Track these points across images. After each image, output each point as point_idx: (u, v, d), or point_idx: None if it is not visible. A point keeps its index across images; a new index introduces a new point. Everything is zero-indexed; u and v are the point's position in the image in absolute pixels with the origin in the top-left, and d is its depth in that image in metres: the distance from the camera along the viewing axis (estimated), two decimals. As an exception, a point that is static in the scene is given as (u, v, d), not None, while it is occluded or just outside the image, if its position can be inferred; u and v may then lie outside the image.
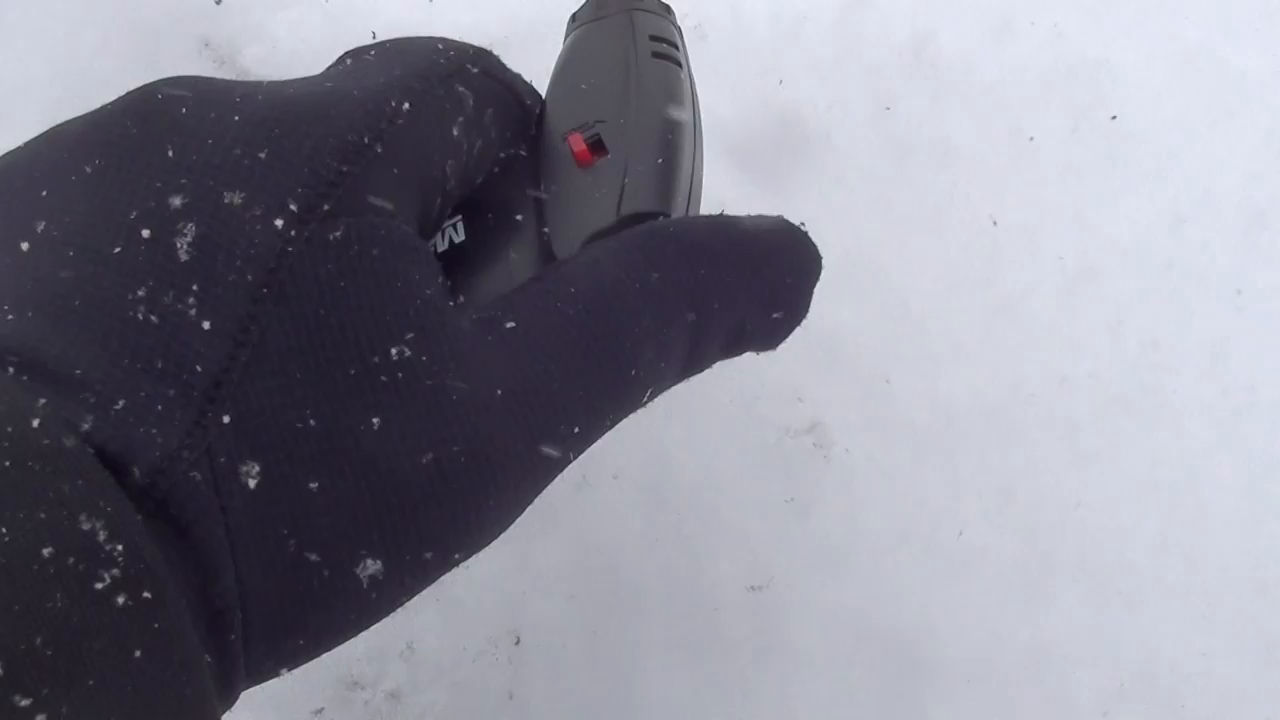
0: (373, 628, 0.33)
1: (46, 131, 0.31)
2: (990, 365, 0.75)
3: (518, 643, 0.73)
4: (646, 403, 0.36)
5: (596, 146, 0.39)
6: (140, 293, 0.26)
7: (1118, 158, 0.79)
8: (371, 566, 0.28)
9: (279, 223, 0.27)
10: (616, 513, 0.74)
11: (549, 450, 0.31)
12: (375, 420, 0.27)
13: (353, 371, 0.27)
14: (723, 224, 0.37)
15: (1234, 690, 0.71)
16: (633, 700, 0.71)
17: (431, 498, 0.28)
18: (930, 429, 0.74)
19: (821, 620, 0.72)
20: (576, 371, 0.32)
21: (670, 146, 0.40)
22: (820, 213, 0.78)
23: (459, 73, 0.35)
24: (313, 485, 0.26)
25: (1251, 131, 0.79)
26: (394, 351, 0.28)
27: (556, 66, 0.44)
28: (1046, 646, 0.71)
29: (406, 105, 0.32)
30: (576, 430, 0.32)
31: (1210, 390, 0.75)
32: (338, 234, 0.28)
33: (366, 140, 0.30)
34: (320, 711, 0.72)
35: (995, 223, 0.78)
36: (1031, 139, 0.80)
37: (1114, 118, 0.80)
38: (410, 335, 0.28)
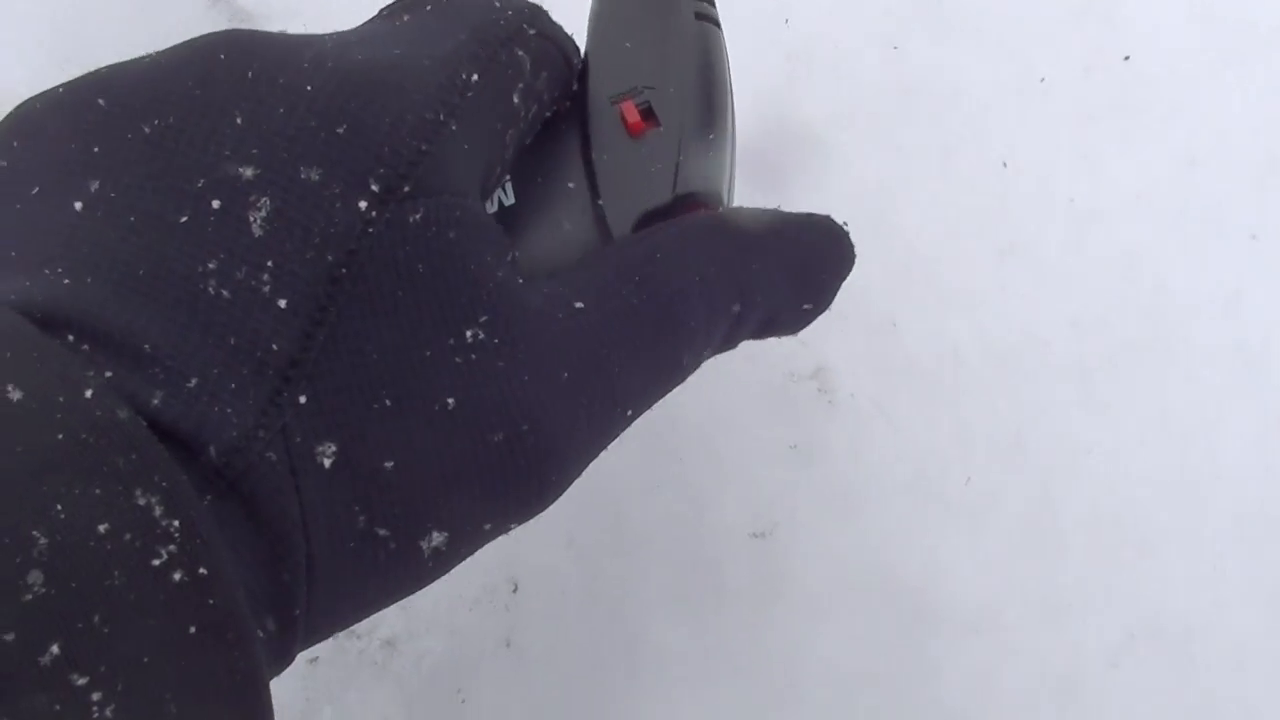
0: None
1: (89, 76, 0.29)
2: (999, 309, 0.74)
3: (515, 590, 0.72)
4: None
5: (648, 115, 0.39)
6: (211, 265, 0.25)
7: (1130, 100, 0.77)
8: (437, 539, 0.28)
9: (362, 204, 0.27)
10: (618, 458, 0.72)
11: (604, 431, 0.33)
12: (450, 401, 0.28)
13: (428, 354, 0.28)
14: (777, 222, 0.39)
15: (1245, 640, 0.69)
16: (633, 648, 0.70)
17: (499, 475, 0.29)
18: (937, 374, 0.73)
19: (825, 568, 0.71)
20: (636, 360, 0.33)
21: (719, 119, 0.40)
22: (827, 154, 0.77)
23: (518, 35, 0.34)
24: (387, 464, 0.27)
25: (1264, 77, 0.78)
26: (469, 334, 0.29)
27: (593, 18, 0.43)
28: (1055, 595, 0.70)
29: (475, 76, 0.31)
30: (629, 413, 0.34)
31: (1224, 336, 0.73)
32: (418, 216, 0.28)
33: (442, 117, 0.29)
34: (315, 660, 0.71)
35: (1005, 165, 0.76)
36: (1043, 80, 0.78)
37: (1127, 59, 0.78)
38: (484, 318, 0.29)
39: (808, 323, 0.44)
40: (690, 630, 0.70)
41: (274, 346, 0.26)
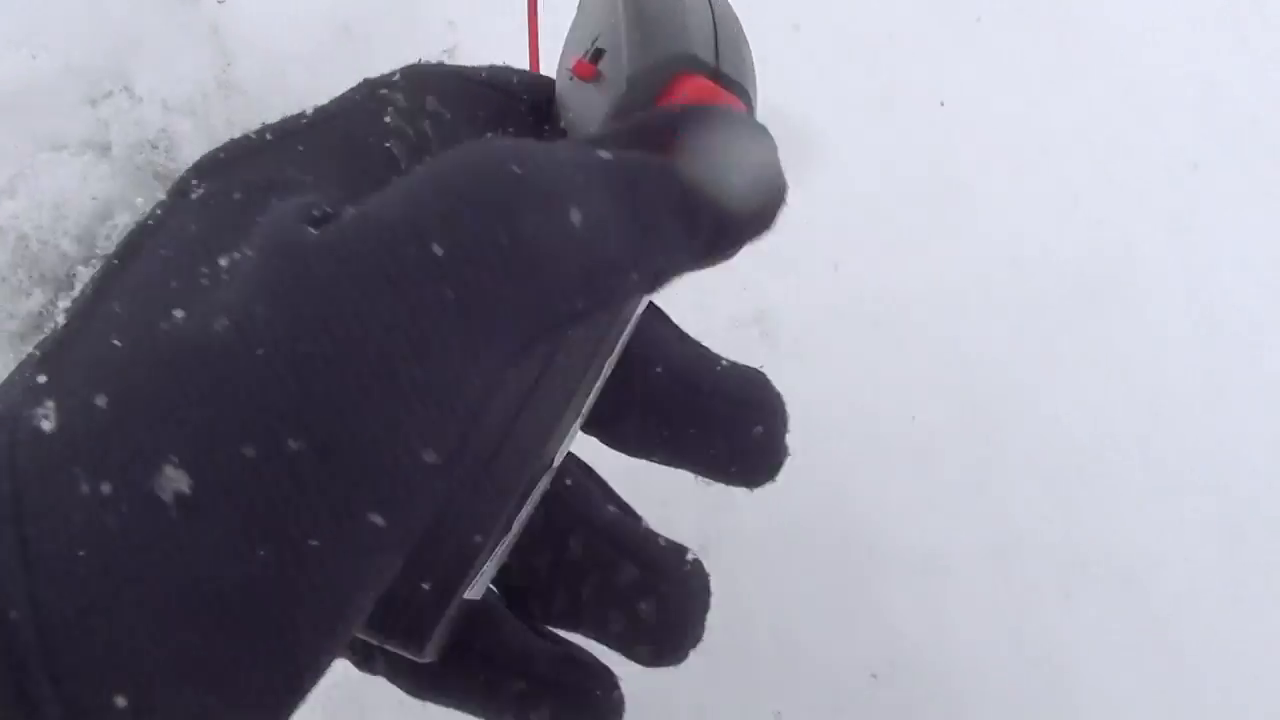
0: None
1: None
2: (941, 250, 0.73)
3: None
4: None
5: (596, 58, 0.38)
6: None
7: (1066, 36, 0.77)
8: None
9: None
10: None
11: None
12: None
13: (174, 284, 0.25)
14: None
15: (1198, 569, 0.69)
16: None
17: None
18: (880, 316, 0.73)
19: (774, 511, 0.70)
20: None
21: (653, 45, 0.39)
22: (771, 97, 0.76)
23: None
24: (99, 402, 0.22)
25: (1202, 5, 0.77)
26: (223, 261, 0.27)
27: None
28: (1004, 531, 0.70)
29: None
30: None
31: (1168, 268, 0.73)
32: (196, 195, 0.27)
33: None
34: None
35: (943, 104, 0.76)
36: (979, 20, 0.78)
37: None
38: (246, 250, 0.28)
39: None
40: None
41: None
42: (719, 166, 0.25)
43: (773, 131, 0.70)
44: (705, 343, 0.72)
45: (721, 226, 0.25)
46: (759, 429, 0.30)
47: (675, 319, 0.73)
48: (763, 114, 0.65)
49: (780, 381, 0.71)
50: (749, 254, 0.71)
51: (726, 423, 0.30)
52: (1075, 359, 0.72)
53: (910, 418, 0.71)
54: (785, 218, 0.70)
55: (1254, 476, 0.70)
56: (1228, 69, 0.75)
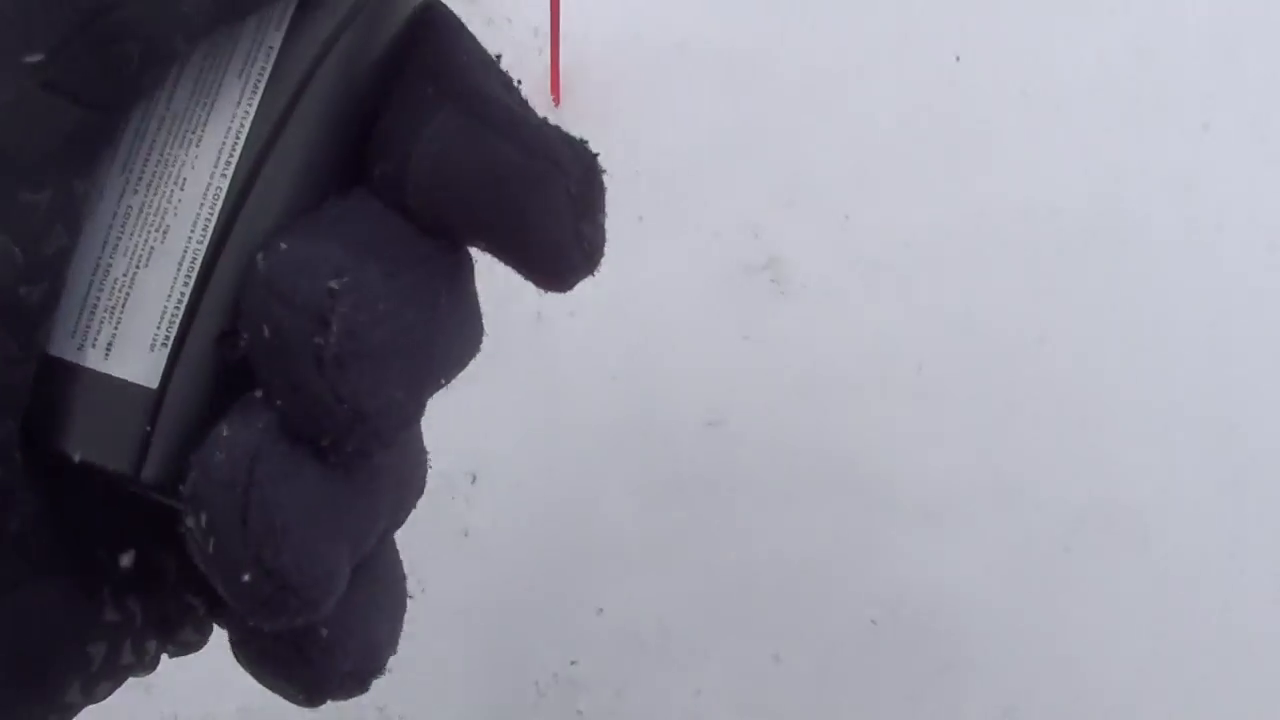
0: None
1: None
2: (952, 199, 0.74)
3: (474, 481, 0.72)
4: None
5: None
6: None
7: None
8: None
9: None
10: (573, 349, 0.73)
11: None
12: None
13: None
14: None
15: (1197, 520, 0.70)
16: (589, 536, 0.71)
17: None
18: (890, 264, 0.73)
19: (779, 456, 0.71)
20: None
21: None
22: (783, 44, 0.77)
23: None
24: None
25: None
26: None
27: None
28: (1008, 479, 0.71)
29: None
30: None
31: (1177, 223, 0.74)
32: None
33: None
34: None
35: (958, 58, 0.76)
36: (997, -28, 0.78)
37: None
38: None
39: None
40: (646, 518, 0.71)
41: None
42: None
43: (787, 77, 0.70)
44: (717, 289, 0.73)
45: None
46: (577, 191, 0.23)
47: (686, 265, 0.74)
48: (779, 60, 0.66)
49: (790, 327, 0.72)
50: (762, 201, 0.72)
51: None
52: (1082, 312, 0.73)
53: (917, 366, 0.72)
54: (798, 165, 0.70)
55: (1257, 430, 0.71)
56: (1246, 31, 0.76)
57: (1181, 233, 0.74)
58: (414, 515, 0.77)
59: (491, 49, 0.76)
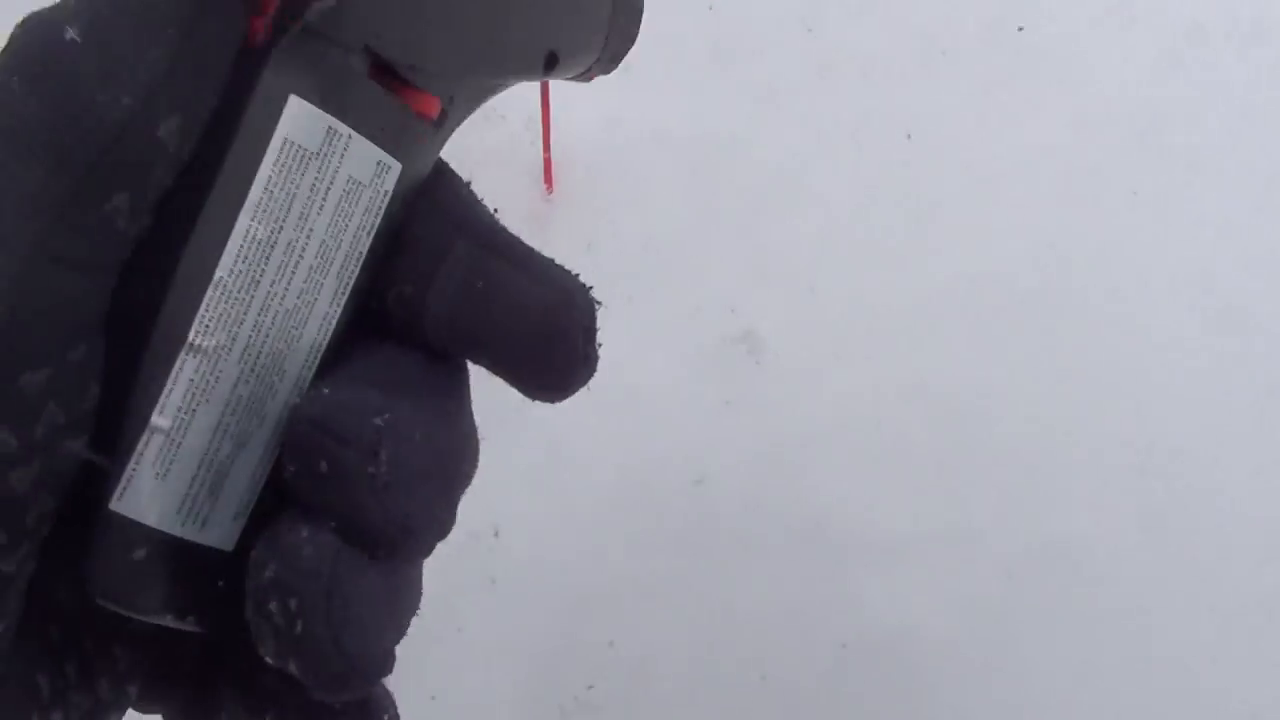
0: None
1: None
2: (907, 269, 0.83)
3: (496, 535, 0.83)
4: None
5: None
6: None
7: (1024, 68, 0.85)
8: None
9: None
10: (574, 419, 0.83)
11: None
12: None
13: None
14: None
15: (1122, 554, 0.80)
16: (598, 580, 0.82)
17: None
18: (852, 330, 0.83)
19: (756, 510, 0.82)
20: None
21: None
22: (751, 130, 0.85)
23: None
24: None
25: (1150, 41, 0.85)
26: None
27: None
28: (958, 524, 0.81)
29: None
30: None
31: (1105, 285, 0.83)
32: None
33: None
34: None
35: (910, 136, 0.84)
36: (944, 52, 0.86)
37: (1021, 29, 0.85)
38: None
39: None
40: (646, 564, 0.82)
41: None
42: None
43: (756, 160, 0.81)
44: (699, 360, 0.83)
45: None
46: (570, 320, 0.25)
47: (672, 340, 0.84)
48: (750, 146, 0.75)
49: (765, 393, 0.82)
50: (736, 279, 0.82)
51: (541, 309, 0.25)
52: (1023, 370, 0.82)
53: (878, 422, 0.82)
54: (768, 245, 0.79)
55: (1179, 474, 0.81)
56: (1169, 102, 0.83)
57: (1109, 294, 0.83)
58: (449, 565, 0.89)
59: (489, 142, 0.87)
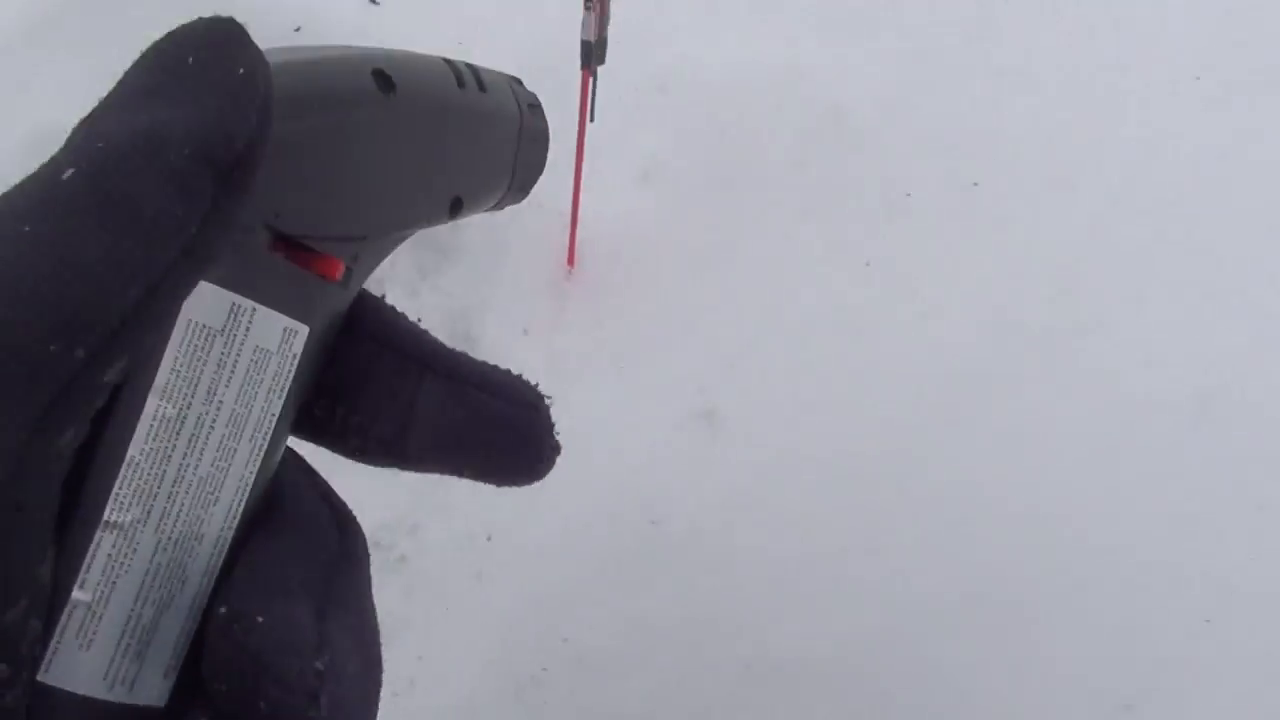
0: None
1: None
2: (853, 370, 1.02)
3: (489, 539, 1.04)
4: None
5: None
6: None
7: (978, 213, 1.03)
8: None
9: None
10: (563, 460, 1.03)
11: None
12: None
13: None
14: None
15: (1042, 597, 0.99)
16: (563, 589, 1.02)
17: None
18: (803, 411, 1.02)
19: (699, 547, 1.01)
20: None
21: None
22: (735, 242, 1.04)
23: None
24: None
25: (1087, 201, 1.03)
26: None
27: None
28: (900, 567, 1.00)
29: None
30: None
31: (1014, 410, 1.01)
32: None
33: None
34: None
35: (868, 264, 1.03)
36: (908, 195, 1.04)
37: (976, 184, 1.04)
38: None
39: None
40: (608, 574, 1.01)
41: None
42: None
43: (737, 267, 1.02)
44: (662, 434, 1.02)
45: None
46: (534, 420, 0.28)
47: (632, 414, 1.03)
48: (733, 253, 0.94)
49: (716, 456, 1.01)
50: (706, 366, 1.02)
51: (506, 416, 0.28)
52: (953, 438, 1.01)
53: (801, 487, 1.01)
54: (741, 341, 0.99)
55: (1096, 530, 0.99)
56: (1079, 235, 1.01)
57: (1042, 387, 1.01)
58: (447, 559, 1.10)
59: (534, 228, 1.06)
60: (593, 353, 1.05)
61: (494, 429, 0.28)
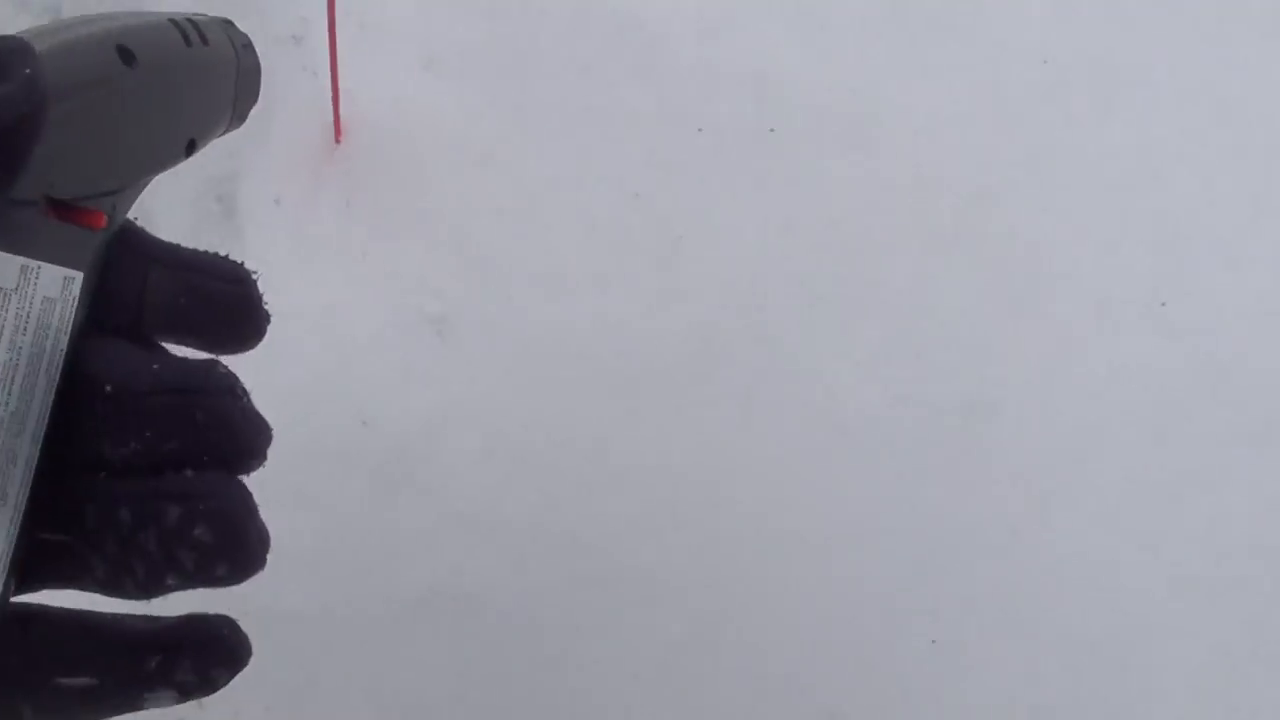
0: None
1: None
2: (591, 309, 0.95)
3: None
4: None
5: None
6: None
7: (770, 160, 0.96)
8: None
9: None
10: (284, 349, 0.98)
11: None
12: None
13: None
14: None
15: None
16: (268, 476, 0.97)
17: None
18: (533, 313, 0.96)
19: (419, 454, 0.96)
20: None
21: None
22: (519, 141, 0.97)
23: None
24: None
25: (887, 166, 0.96)
26: None
27: None
28: (614, 490, 0.95)
29: None
30: None
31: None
32: None
33: None
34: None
35: (638, 195, 0.96)
36: (700, 130, 0.97)
37: (772, 130, 0.96)
38: None
39: None
40: (297, 507, 0.97)
41: None
42: None
43: (521, 169, 0.94)
44: (391, 334, 0.96)
45: None
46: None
47: (362, 307, 0.97)
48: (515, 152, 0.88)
49: (446, 371, 0.95)
50: (448, 264, 0.95)
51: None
52: (692, 391, 0.95)
53: (546, 411, 0.95)
54: (488, 244, 0.93)
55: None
56: (870, 198, 0.94)
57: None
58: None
59: (306, 98, 1.01)
60: (337, 235, 0.99)
61: (213, 305, 0.33)
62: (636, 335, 0.95)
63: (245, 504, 0.31)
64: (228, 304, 0.33)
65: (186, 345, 0.33)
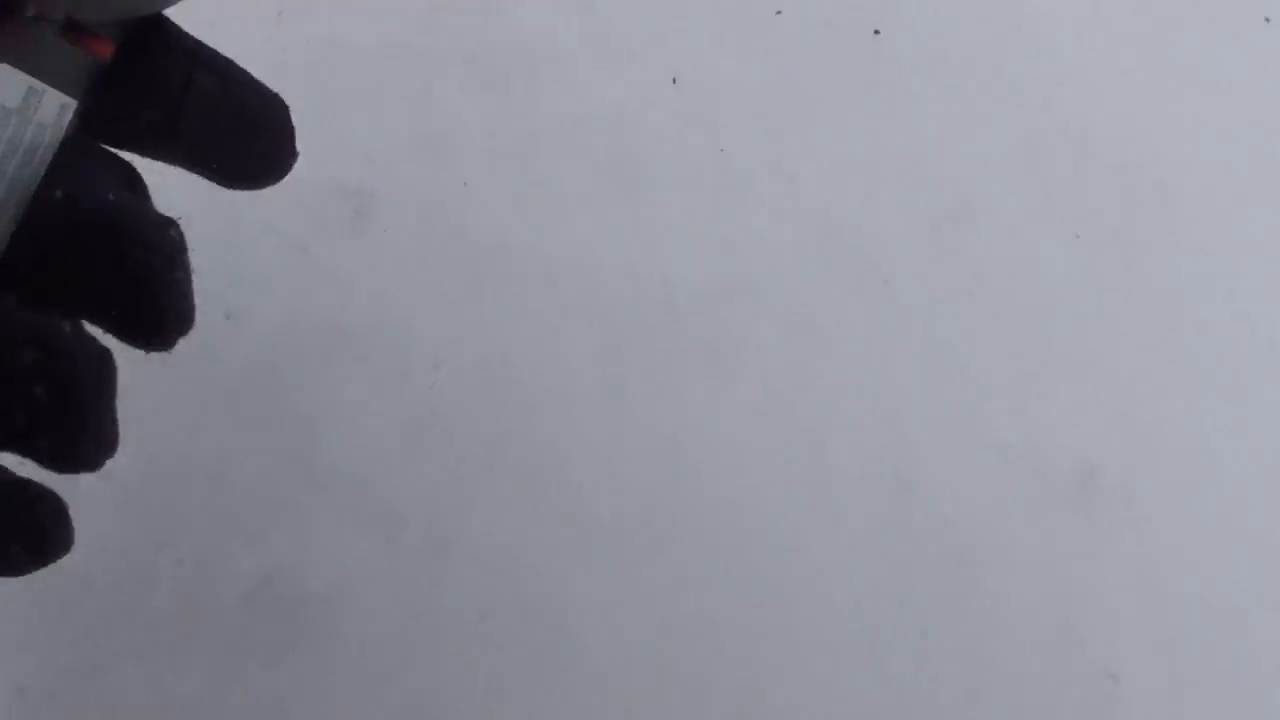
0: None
1: None
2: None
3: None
4: None
5: None
6: None
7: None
8: None
9: None
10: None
11: None
12: None
13: None
14: None
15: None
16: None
17: None
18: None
19: (275, 340, 0.74)
20: None
21: None
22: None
23: None
24: None
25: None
26: None
27: None
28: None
29: None
30: None
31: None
32: None
33: None
34: None
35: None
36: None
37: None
38: None
39: None
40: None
41: None
42: None
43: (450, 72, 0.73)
44: (311, 198, 0.76)
45: None
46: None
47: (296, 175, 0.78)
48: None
49: (361, 259, 0.74)
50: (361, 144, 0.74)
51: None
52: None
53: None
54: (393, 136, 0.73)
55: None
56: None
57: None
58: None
59: None
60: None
61: (254, 123, 0.31)
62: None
63: (102, 388, 0.27)
64: (272, 127, 0.31)
65: (215, 162, 0.31)
